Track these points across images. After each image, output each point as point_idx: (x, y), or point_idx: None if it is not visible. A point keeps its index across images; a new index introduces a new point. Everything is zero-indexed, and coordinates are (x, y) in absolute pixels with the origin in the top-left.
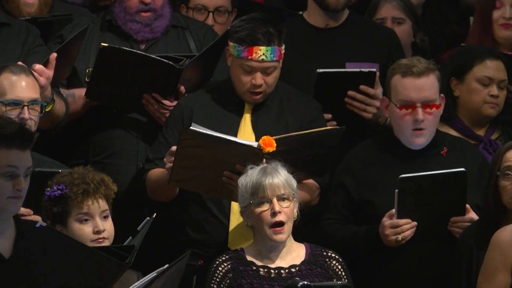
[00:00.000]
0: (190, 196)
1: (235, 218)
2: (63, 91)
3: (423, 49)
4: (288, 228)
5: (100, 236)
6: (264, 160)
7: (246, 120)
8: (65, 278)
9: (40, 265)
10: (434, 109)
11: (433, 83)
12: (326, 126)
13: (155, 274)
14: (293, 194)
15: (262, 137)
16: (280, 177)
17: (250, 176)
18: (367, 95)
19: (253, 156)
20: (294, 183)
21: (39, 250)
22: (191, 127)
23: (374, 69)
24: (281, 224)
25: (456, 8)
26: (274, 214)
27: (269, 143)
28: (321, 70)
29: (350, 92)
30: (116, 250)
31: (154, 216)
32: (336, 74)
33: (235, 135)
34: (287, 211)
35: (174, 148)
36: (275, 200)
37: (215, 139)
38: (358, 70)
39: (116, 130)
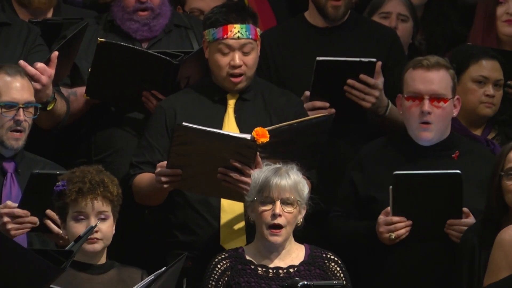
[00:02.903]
0: (177, 198)
1: (226, 216)
2: (66, 90)
3: (420, 51)
4: (286, 232)
5: (92, 236)
6: (263, 159)
7: (230, 117)
8: None
9: None
10: (442, 103)
11: (442, 78)
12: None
13: (153, 277)
14: (299, 201)
15: (255, 129)
16: (289, 180)
17: (262, 173)
18: (367, 84)
19: (247, 148)
20: (305, 190)
21: None
22: (184, 123)
23: (374, 59)
24: (279, 226)
25: (458, 9)
26: (274, 216)
27: (262, 134)
28: (321, 58)
29: (350, 81)
30: (53, 254)
31: (98, 223)
32: (336, 62)
33: None
34: (288, 216)
35: (163, 163)
36: (278, 202)
37: (208, 133)
38: (357, 59)
39: (118, 129)
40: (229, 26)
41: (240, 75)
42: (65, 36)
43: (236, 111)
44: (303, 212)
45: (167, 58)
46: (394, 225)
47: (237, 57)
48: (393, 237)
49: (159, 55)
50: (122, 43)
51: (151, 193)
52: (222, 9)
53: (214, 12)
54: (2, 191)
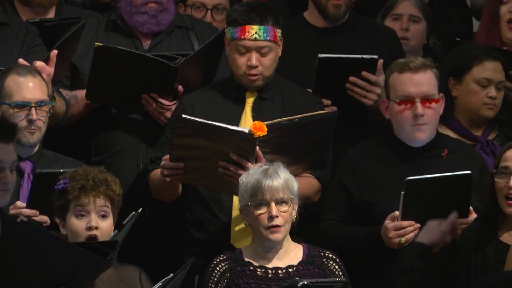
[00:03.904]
0: (192, 195)
1: (237, 214)
2: (66, 92)
3: (434, 52)
4: (285, 229)
5: (92, 233)
6: (263, 161)
7: (247, 115)
8: (46, 273)
9: (21, 260)
10: (433, 103)
11: (430, 78)
12: None
13: (161, 284)
14: (292, 198)
15: (253, 122)
16: (280, 180)
17: (251, 176)
18: (369, 81)
19: (246, 142)
20: (295, 185)
21: (20, 244)
22: (183, 115)
23: (375, 56)
24: (277, 227)
25: (459, 9)
26: (271, 218)
27: (260, 128)
28: (323, 55)
29: (352, 78)
30: (98, 246)
31: (140, 210)
32: (338, 59)
33: None
34: (284, 215)
35: (167, 156)
36: (273, 204)
37: (206, 126)
38: (359, 56)
39: (118, 130)
40: (247, 26)
41: (256, 75)
42: (64, 35)
43: (254, 109)
44: (296, 208)
45: (165, 61)
46: (404, 230)
47: (254, 58)
48: (403, 241)
49: (157, 58)
50: (119, 47)
51: (162, 187)
52: (243, 8)
53: (235, 10)
54: (19, 192)
